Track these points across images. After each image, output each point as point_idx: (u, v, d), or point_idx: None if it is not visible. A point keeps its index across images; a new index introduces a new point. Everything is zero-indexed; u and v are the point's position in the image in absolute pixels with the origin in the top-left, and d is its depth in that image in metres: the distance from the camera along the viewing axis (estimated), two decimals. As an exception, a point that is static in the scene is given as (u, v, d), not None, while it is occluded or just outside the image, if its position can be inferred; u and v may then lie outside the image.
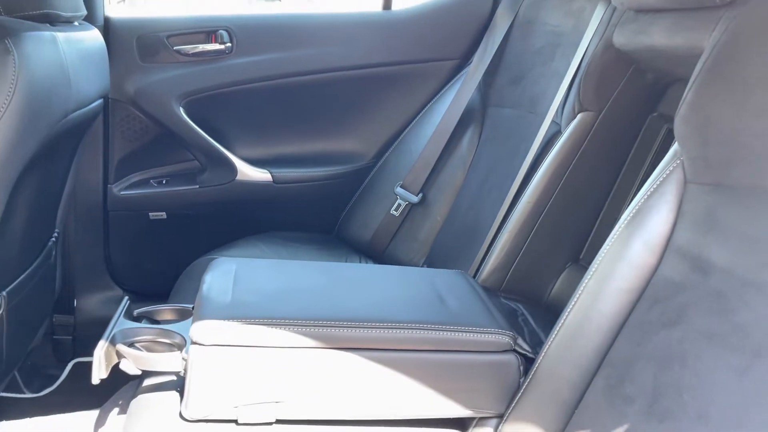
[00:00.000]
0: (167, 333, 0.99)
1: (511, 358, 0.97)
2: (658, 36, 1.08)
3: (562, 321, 0.92)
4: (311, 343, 0.91)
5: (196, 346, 0.90)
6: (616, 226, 0.89)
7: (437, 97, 1.88)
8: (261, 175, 1.87)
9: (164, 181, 1.88)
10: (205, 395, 0.90)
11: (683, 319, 0.78)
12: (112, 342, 0.94)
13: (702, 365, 0.73)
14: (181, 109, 1.80)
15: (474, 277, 1.38)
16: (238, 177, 1.85)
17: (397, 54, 1.89)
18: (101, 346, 0.92)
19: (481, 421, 0.98)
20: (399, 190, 1.76)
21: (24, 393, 1.61)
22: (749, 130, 0.76)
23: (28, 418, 1.22)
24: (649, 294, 0.84)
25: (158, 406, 0.96)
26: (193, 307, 1.02)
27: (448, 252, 1.59)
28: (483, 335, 0.95)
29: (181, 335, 0.97)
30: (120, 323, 0.99)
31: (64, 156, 1.48)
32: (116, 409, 1.06)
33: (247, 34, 1.83)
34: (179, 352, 0.94)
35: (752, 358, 0.69)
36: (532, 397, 0.93)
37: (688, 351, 0.75)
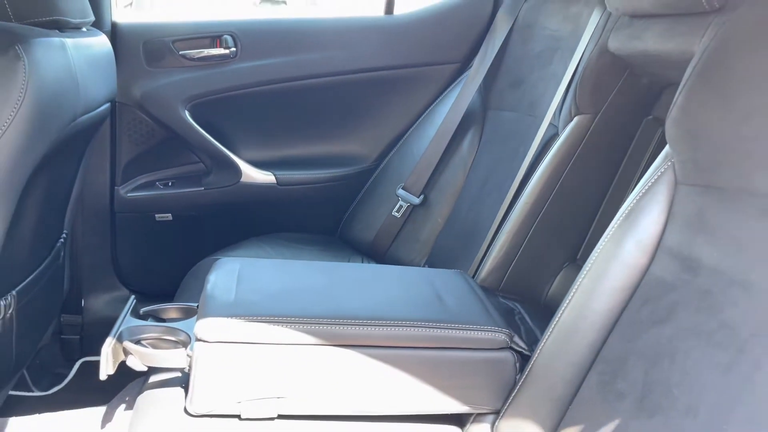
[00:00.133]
0: (172, 331, 1.01)
1: (507, 355, 0.98)
2: (652, 41, 1.10)
3: (557, 319, 0.93)
4: (312, 340, 0.93)
5: (201, 342, 0.92)
6: (610, 226, 0.91)
7: (438, 100, 1.90)
8: (265, 177, 1.89)
9: (170, 184, 1.89)
10: (209, 391, 0.92)
11: (673, 317, 0.79)
12: (119, 339, 0.96)
13: (690, 361, 0.75)
14: (187, 113, 1.82)
15: (473, 276, 1.39)
16: (243, 179, 1.87)
17: (399, 58, 1.91)
18: (108, 343, 0.94)
19: (479, 416, 1.00)
20: (401, 191, 1.77)
21: (33, 391, 1.63)
22: (737, 133, 0.77)
23: (37, 414, 1.25)
24: (640, 293, 0.86)
25: (164, 402, 0.98)
26: (197, 306, 1.04)
27: (448, 252, 1.61)
28: (480, 333, 0.97)
29: (186, 333, 0.99)
30: (127, 321, 1.01)
31: (73, 159, 1.49)
32: (123, 405, 1.09)
33: (251, 39, 1.85)
34: (184, 349, 0.96)
35: (737, 354, 0.71)
36: (528, 394, 0.95)
37: (677, 348, 0.77)
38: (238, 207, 1.92)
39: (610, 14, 1.29)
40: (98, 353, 0.93)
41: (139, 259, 1.94)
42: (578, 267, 1.35)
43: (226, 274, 1.08)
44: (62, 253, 1.54)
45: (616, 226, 0.90)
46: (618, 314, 0.87)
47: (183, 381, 1.00)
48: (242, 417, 0.94)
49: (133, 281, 1.93)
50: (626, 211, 0.89)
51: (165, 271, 1.88)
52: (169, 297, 1.52)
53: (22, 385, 1.62)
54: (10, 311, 1.23)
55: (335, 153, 1.97)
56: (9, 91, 1.06)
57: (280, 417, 0.95)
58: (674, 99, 0.86)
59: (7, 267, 1.19)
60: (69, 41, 1.27)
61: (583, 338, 0.89)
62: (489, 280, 1.36)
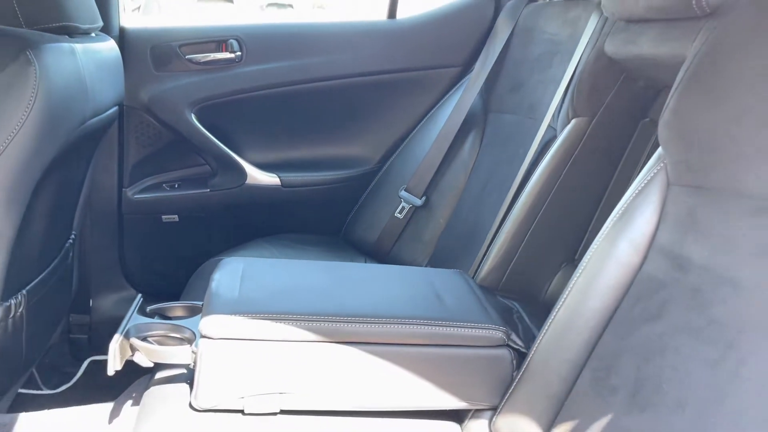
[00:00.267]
0: (178, 328, 1.03)
1: (504, 352, 1.00)
2: (646, 45, 1.11)
3: (553, 317, 0.95)
4: (314, 337, 0.95)
5: (205, 339, 0.94)
6: (604, 226, 0.92)
7: (440, 103, 1.91)
8: (270, 179, 1.91)
9: (176, 185, 1.92)
10: (213, 386, 0.94)
11: (664, 314, 0.81)
12: (127, 336, 0.98)
13: (680, 357, 0.76)
14: (193, 116, 1.84)
15: (474, 276, 1.40)
16: (248, 181, 1.89)
17: (401, 61, 1.92)
18: (116, 340, 0.96)
19: (477, 412, 1.02)
20: (403, 193, 1.79)
21: (42, 389, 1.65)
22: (726, 135, 0.78)
23: (46, 410, 1.27)
24: (633, 291, 0.87)
25: (169, 397, 1.00)
26: (202, 304, 1.05)
27: (450, 253, 1.62)
28: (477, 330, 0.99)
29: (191, 330, 1.01)
30: (134, 319, 1.03)
31: (82, 161, 1.51)
32: (130, 401, 1.11)
33: (256, 44, 1.87)
34: (189, 346, 0.98)
35: (725, 350, 0.72)
36: (525, 390, 0.96)
37: (668, 344, 0.78)
38: (244, 208, 1.94)
39: (606, 19, 1.31)
40: (106, 352, 0.95)
41: (146, 260, 1.96)
42: (576, 267, 1.37)
43: (231, 272, 1.10)
44: (71, 254, 1.57)
45: (610, 225, 0.91)
46: (612, 312, 0.89)
47: (188, 377, 1.03)
48: (246, 412, 0.96)
49: (141, 281, 1.95)
50: (620, 211, 0.91)
51: (171, 272, 1.90)
52: (175, 297, 1.53)
53: (31, 384, 1.64)
54: (20, 310, 1.25)
55: (339, 155, 1.99)
56: (20, 95, 1.09)
57: (283, 412, 0.97)
58: (666, 102, 0.88)
59: (18, 266, 1.21)
60: (78, 46, 1.29)
61: (578, 335, 0.90)
62: (489, 280, 1.37)
